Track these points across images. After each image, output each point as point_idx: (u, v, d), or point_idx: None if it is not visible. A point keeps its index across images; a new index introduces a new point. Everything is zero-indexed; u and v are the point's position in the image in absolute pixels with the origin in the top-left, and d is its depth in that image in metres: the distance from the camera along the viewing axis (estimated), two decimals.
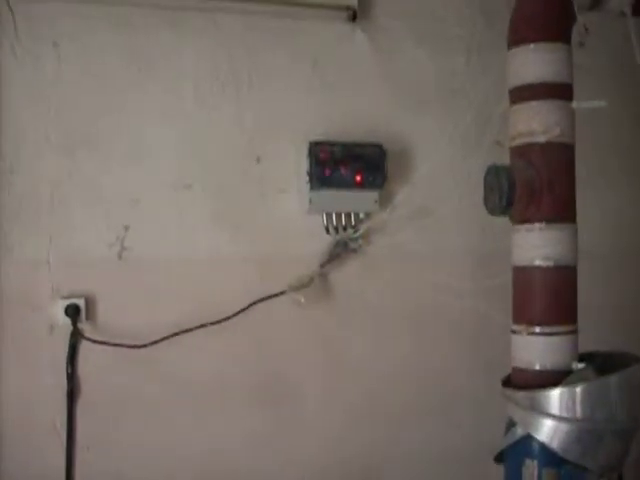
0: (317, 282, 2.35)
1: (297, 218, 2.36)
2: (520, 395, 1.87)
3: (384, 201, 2.40)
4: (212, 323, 2.23)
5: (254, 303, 2.29)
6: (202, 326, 2.22)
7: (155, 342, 2.18)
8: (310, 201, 2.31)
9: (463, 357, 2.55)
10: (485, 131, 2.41)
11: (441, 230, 2.52)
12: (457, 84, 2.56)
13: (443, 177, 2.49)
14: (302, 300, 2.31)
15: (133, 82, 2.23)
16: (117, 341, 2.15)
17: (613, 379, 1.82)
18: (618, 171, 2.82)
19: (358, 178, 2.31)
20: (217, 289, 2.29)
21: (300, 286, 2.33)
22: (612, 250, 2.77)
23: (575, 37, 2.66)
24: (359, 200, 2.35)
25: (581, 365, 1.86)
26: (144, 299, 2.24)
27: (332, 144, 2.30)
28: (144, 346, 2.16)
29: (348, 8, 2.39)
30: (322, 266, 2.37)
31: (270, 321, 2.34)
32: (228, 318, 2.25)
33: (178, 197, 2.27)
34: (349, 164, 2.30)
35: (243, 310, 2.27)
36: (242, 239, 2.33)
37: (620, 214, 2.82)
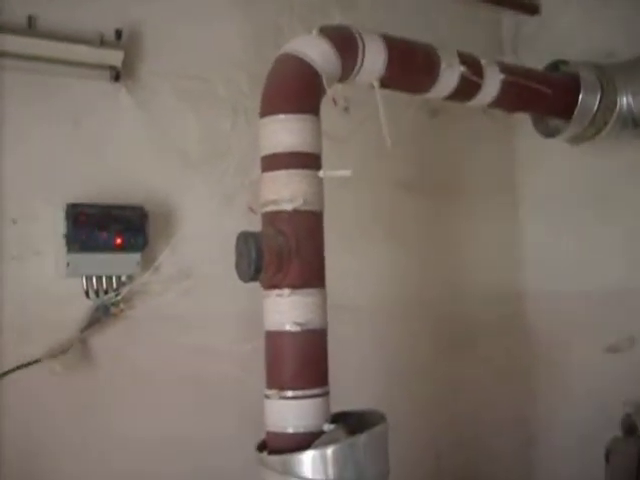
0: (77, 348, 2.26)
1: (54, 282, 2.26)
2: (273, 459, 1.87)
3: (146, 263, 2.36)
4: None
5: (6, 373, 2.16)
6: None
7: None
8: (68, 264, 2.23)
9: (227, 422, 2.49)
10: (243, 195, 2.45)
11: (204, 292, 2.48)
12: (222, 146, 2.57)
13: (206, 239, 2.47)
14: (58, 368, 2.21)
15: None
16: None
17: (362, 439, 1.87)
18: (378, 232, 2.96)
19: (118, 241, 2.27)
20: None
21: (58, 353, 2.23)
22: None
23: (341, 104, 2.79)
24: (120, 263, 2.30)
25: (332, 426, 1.90)
26: None
27: (91, 206, 2.26)
28: None
29: (111, 68, 2.35)
30: (82, 331, 2.29)
31: (25, 392, 2.21)
32: None
33: None
34: (109, 226, 2.26)
35: None
36: None
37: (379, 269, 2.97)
